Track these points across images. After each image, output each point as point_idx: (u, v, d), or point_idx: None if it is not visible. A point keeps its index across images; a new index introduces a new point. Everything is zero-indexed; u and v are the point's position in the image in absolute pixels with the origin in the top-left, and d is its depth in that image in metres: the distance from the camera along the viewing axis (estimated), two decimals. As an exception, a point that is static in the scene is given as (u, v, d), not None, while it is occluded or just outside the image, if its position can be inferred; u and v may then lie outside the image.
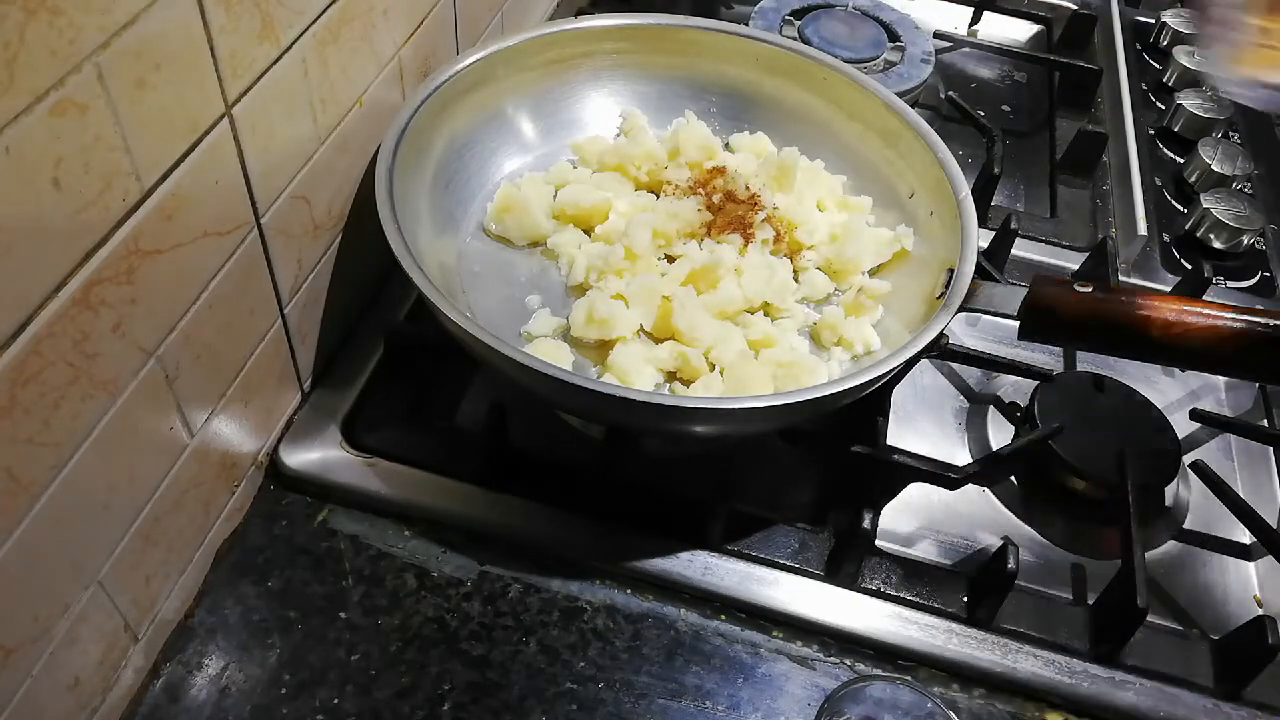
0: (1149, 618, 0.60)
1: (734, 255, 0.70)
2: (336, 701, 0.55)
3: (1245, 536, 0.69)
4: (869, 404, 0.67)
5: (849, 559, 0.62)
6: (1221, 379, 0.81)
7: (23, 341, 0.39)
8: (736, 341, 0.66)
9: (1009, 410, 0.75)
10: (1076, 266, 0.85)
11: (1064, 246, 0.88)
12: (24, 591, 0.44)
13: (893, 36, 1.00)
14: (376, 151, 0.64)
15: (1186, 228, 0.91)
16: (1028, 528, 0.69)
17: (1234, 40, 0.55)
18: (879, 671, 0.60)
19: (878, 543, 0.64)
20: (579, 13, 0.97)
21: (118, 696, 0.54)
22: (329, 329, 0.68)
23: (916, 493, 0.69)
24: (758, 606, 0.61)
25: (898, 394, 0.73)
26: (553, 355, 0.64)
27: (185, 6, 0.44)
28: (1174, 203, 0.95)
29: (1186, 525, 0.70)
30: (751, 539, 0.63)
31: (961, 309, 0.62)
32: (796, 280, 0.72)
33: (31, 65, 0.36)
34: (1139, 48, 1.13)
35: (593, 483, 0.64)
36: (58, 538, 0.45)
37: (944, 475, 0.65)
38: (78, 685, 0.50)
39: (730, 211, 0.73)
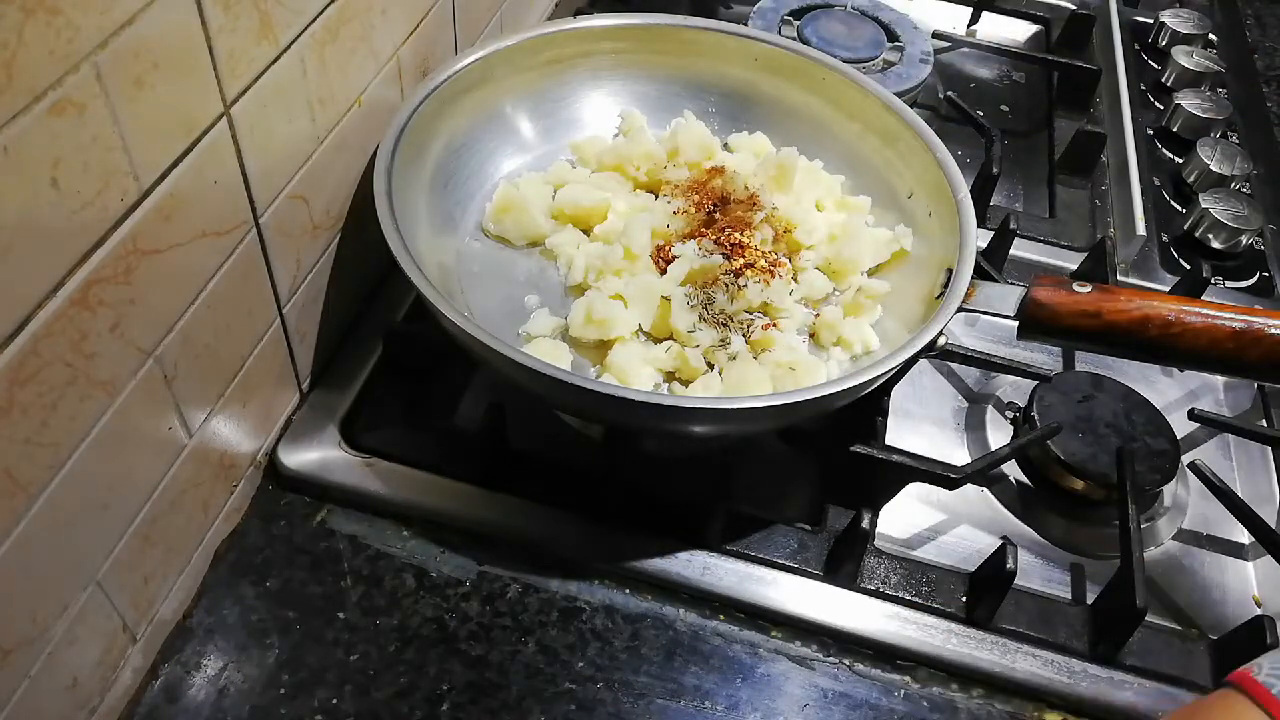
0: (1148, 617, 0.60)
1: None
2: (335, 702, 0.55)
3: (1244, 536, 0.69)
4: (868, 404, 0.67)
5: (848, 559, 0.62)
6: (1220, 379, 0.81)
7: (21, 341, 0.39)
8: (735, 341, 0.66)
9: (1008, 410, 0.75)
10: (1075, 266, 0.85)
11: (1063, 246, 0.88)
12: (22, 592, 0.44)
13: (891, 36, 1.00)
14: (375, 151, 0.64)
15: (1185, 228, 0.91)
16: (1026, 527, 0.69)
17: None
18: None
19: (876, 543, 0.64)
20: (578, 12, 0.97)
21: (116, 697, 0.54)
22: (328, 329, 0.68)
23: (915, 493, 0.69)
24: (756, 606, 0.61)
25: (897, 394, 0.73)
26: (551, 355, 0.64)
27: (184, 6, 0.44)
28: (1173, 203, 0.95)
29: (1185, 525, 0.70)
30: (750, 539, 0.63)
31: (960, 309, 0.62)
32: (795, 280, 0.72)
33: (30, 65, 0.36)
34: (1137, 48, 1.13)
35: (592, 483, 0.64)
36: (56, 538, 0.45)
37: (943, 475, 0.65)
38: (76, 685, 0.50)
39: (729, 212, 0.73)
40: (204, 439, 0.56)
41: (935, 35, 1.05)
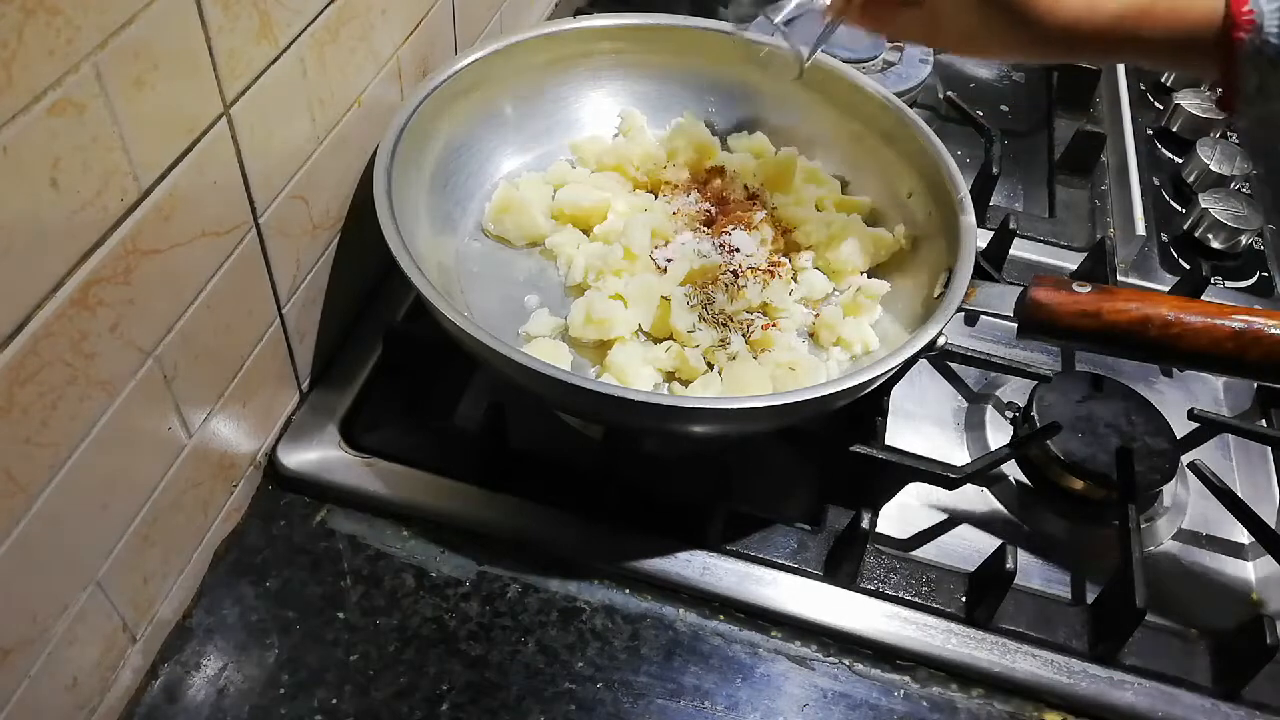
0: (1147, 617, 0.59)
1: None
2: (335, 702, 0.55)
3: (1243, 536, 0.69)
4: (867, 404, 0.67)
5: (847, 559, 0.62)
6: (1219, 379, 0.81)
7: (20, 341, 0.39)
8: (735, 341, 0.66)
9: (1008, 410, 0.75)
10: (1075, 266, 0.85)
11: (1062, 246, 0.88)
12: (22, 592, 0.44)
13: (891, 36, 1.00)
14: (375, 151, 0.64)
15: (1185, 228, 0.91)
16: (1026, 527, 0.69)
17: None
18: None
19: (876, 543, 0.64)
20: (577, 12, 0.97)
21: (116, 697, 0.54)
22: (327, 329, 0.68)
23: (915, 493, 0.69)
24: (756, 606, 0.61)
25: (896, 394, 0.73)
26: (551, 355, 0.64)
27: (183, 6, 0.44)
28: (1172, 203, 0.95)
29: (1185, 525, 0.70)
30: (750, 539, 0.63)
31: (960, 309, 0.62)
32: (795, 280, 0.72)
33: (29, 65, 0.36)
34: (1137, 48, 1.13)
35: (591, 483, 0.64)
36: (56, 538, 0.45)
37: (942, 475, 0.65)
38: (76, 685, 0.50)
39: (729, 212, 0.73)
40: (204, 439, 0.56)
41: (935, 35, 1.05)
